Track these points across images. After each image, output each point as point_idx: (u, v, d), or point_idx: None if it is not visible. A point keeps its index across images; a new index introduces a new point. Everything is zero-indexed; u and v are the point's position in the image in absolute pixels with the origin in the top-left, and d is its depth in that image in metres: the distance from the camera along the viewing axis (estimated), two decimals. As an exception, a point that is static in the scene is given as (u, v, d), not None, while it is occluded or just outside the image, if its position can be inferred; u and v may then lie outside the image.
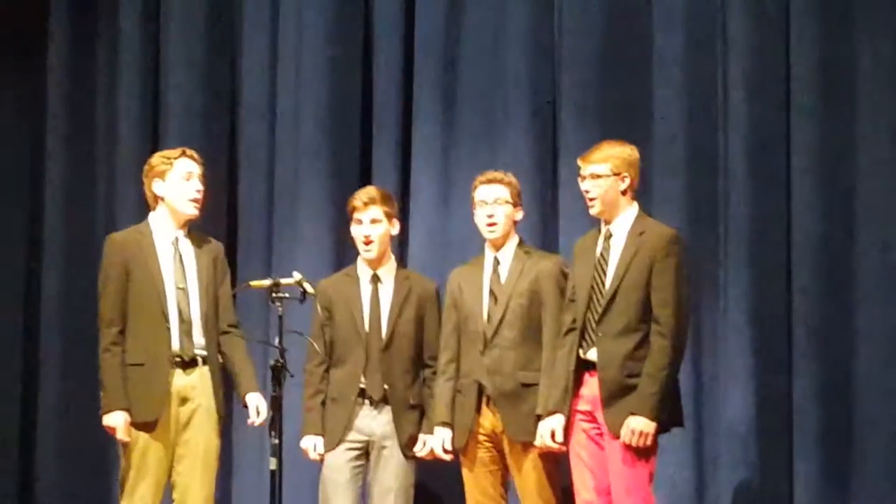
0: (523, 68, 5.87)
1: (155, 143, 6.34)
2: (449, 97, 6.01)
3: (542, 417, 5.04)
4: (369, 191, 5.42)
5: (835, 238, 5.38)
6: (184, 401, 5.13)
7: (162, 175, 5.18)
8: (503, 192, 5.24)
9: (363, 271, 5.41)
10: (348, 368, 5.32)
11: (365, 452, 5.33)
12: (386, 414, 5.30)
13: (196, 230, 5.29)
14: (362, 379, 5.30)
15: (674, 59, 5.63)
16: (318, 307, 5.34)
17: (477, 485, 5.24)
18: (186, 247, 5.21)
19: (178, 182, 5.17)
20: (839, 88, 5.40)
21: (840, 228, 5.38)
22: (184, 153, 5.21)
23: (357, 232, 5.36)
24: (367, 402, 5.31)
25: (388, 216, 5.36)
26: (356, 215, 5.36)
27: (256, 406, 5.16)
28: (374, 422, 5.31)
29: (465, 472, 5.28)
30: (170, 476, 5.12)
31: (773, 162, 5.46)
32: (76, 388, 6.31)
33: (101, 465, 6.30)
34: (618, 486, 4.78)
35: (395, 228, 5.41)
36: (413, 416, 5.32)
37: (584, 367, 4.89)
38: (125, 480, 5.10)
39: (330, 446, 5.31)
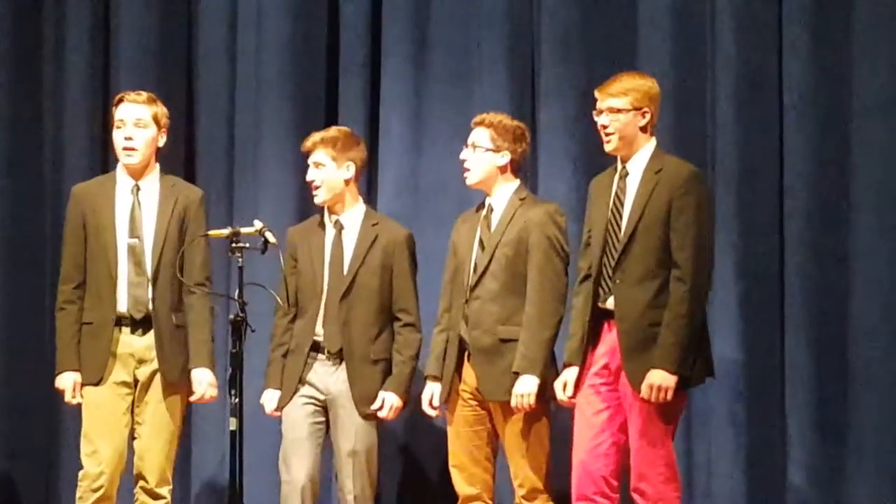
0: (500, 2, 5.68)
1: (106, 88, 6.12)
2: (420, 34, 5.82)
3: (518, 375, 4.84)
4: (315, 134, 5.25)
5: (828, 184, 5.24)
6: (141, 362, 4.99)
7: (111, 123, 5.06)
8: (479, 136, 5.03)
9: (327, 217, 5.23)
10: (306, 319, 5.15)
11: (324, 409, 5.15)
12: (342, 371, 5.11)
13: (170, 176, 5.13)
14: (318, 330, 5.11)
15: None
16: (287, 255, 5.17)
17: (460, 444, 5.03)
18: (149, 196, 5.04)
19: (115, 133, 5.04)
20: (833, 27, 5.26)
21: (834, 173, 5.24)
22: (122, 98, 5.07)
23: (307, 176, 5.20)
24: (322, 355, 5.11)
25: (336, 159, 5.15)
26: (308, 160, 5.20)
27: (199, 381, 5.03)
28: (329, 379, 5.12)
29: (449, 429, 5.08)
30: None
31: (764, 104, 5.32)
32: (23, 345, 6.11)
33: (50, 423, 6.12)
34: (636, 444, 4.55)
35: (349, 171, 5.18)
36: (374, 371, 5.11)
37: (602, 316, 4.64)
38: (82, 443, 4.98)
39: (284, 400, 5.15)
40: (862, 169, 5.20)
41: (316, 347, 5.12)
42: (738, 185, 5.30)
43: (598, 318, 4.65)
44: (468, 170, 5.03)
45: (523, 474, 4.93)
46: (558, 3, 5.57)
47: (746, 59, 5.30)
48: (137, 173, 5.02)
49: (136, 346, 4.96)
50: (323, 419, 5.14)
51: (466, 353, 4.99)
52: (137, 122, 5.00)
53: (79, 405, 4.98)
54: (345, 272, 5.13)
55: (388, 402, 5.08)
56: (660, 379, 4.48)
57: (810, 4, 5.26)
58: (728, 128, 5.31)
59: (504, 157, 5.02)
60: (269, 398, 5.17)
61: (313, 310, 5.12)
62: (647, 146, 4.67)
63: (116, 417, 4.93)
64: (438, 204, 5.53)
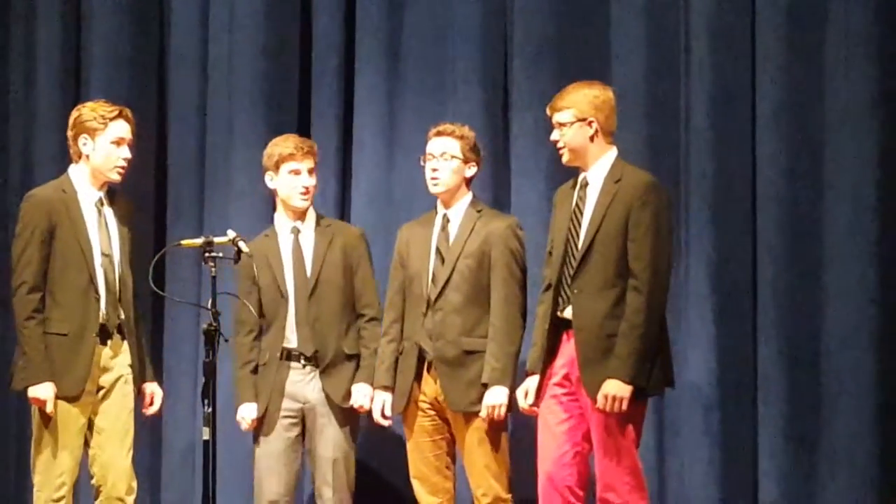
0: (473, 13, 5.65)
1: (76, 94, 6.08)
2: (393, 44, 5.80)
3: (487, 387, 4.86)
4: (304, 140, 5.26)
5: (801, 194, 5.22)
6: (104, 370, 4.94)
7: (91, 133, 4.94)
8: (451, 146, 5.03)
9: (282, 225, 5.22)
10: (275, 329, 5.13)
11: (301, 420, 5.12)
12: (318, 379, 5.09)
13: (112, 188, 5.05)
14: (290, 336, 5.09)
15: (633, 5, 5.44)
16: (241, 277, 5.14)
17: (420, 454, 5.04)
18: (108, 210, 5.00)
19: (106, 146, 4.94)
20: (806, 37, 5.24)
21: (807, 184, 5.22)
22: (120, 114, 4.97)
23: (295, 182, 5.15)
24: (297, 363, 5.09)
25: (317, 166, 5.24)
26: (292, 164, 5.15)
27: (152, 394, 5.08)
28: (306, 387, 5.10)
29: (407, 441, 5.08)
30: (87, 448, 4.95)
31: (738, 114, 5.30)
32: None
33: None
34: (600, 454, 4.56)
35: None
36: (348, 367, 5.12)
37: (561, 326, 4.65)
38: (39, 455, 4.90)
39: (261, 411, 5.10)
40: (834, 180, 5.18)
41: (289, 356, 5.09)
42: (712, 195, 5.28)
43: (558, 327, 4.65)
44: (437, 178, 5.01)
45: (486, 484, 4.92)
46: (531, 15, 5.54)
47: (720, 70, 5.28)
48: (102, 186, 4.98)
49: (103, 354, 4.92)
50: (299, 431, 5.11)
51: (427, 364, 4.98)
52: (130, 143, 4.98)
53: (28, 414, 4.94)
54: (308, 273, 5.12)
55: (363, 392, 5.07)
56: (614, 389, 4.47)
57: (783, 14, 5.24)
58: (701, 138, 5.29)
59: (472, 170, 5.05)
60: (247, 411, 5.10)
61: (280, 318, 5.10)
62: (607, 155, 4.67)
63: (78, 428, 4.88)
64: (411, 214, 5.46)
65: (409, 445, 5.05)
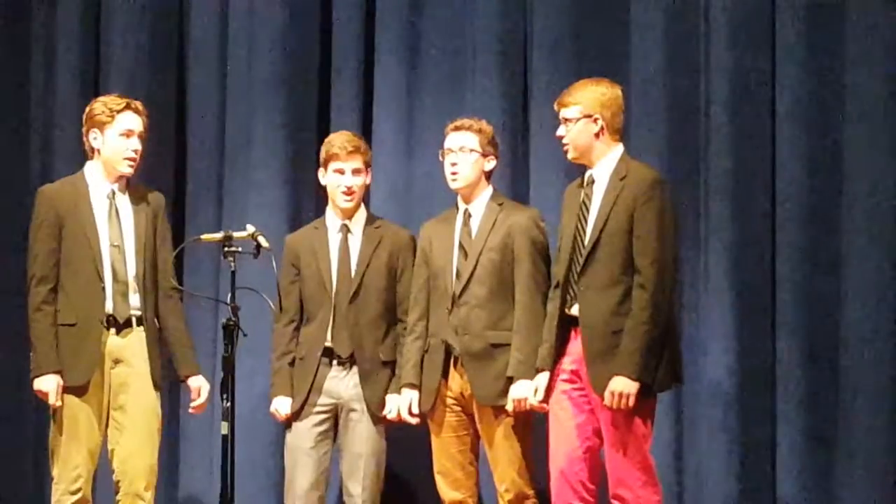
0: (493, 8, 5.64)
1: (96, 89, 6.05)
2: (413, 39, 5.78)
3: (513, 380, 4.84)
4: (351, 138, 5.18)
5: (821, 189, 5.21)
6: (117, 362, 4.93)
7: (101, 127, 4.96)
8: (470, 140, 5.01)
9: (332, 222, 5.19)
10: (315, 326, 5.11)
11: (333, 416, 5.11)
12: (354, 376, 5.08)
13: (138, 182, 5.07)
14: (328, 336, 5.08)
15: (653, 0, 5.42)
16: (286, 263, 5.15)
17: (444, 450, 5.03)
18: (124, 201, 5.00)
19: (115, 138, 4.95)
20: (826, 31, 5.23)
21: (826, 179, 5.21)
22: (128, 106, 4.97)
23: (338, 181, 5.11)
24: (334, 362, 5.08)
25: (367, 165, 5.17)
26: (337, 164, 5.11)
27: (199, 388, 5.02)
28: (341, 384, 5.08)
29: (432, 436, 5.07)
30: (106, 443, 4.93)
31: (757, 109, 5.29)
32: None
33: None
34: (611, 451, 4.56)
35: (370, 178, 5.21)
36: (385, 374, 5.10)
37: (569, 323, 4.65)
38: (56, 447, 4.91)
39: (295, 408, 5.09)
40: (854, 174, 5.17)
41: (327, 354, 5.08)
42: (731, 190, 5.27)
43: (566, 324, 4.66)
44: (457, 173, 5.00)
45: (510, 479, 4.92)
46: (551, 9, 5.54)
47: (740, 64, 5.27)
48: (116, 180, 4.98)
49: (113, 345, 4.91)
50: (331, 427, 5.10)
51: (453, 359, 4.97)
52: (140, 135, 4.98)
53: (48, 407, 4.93)
54: (353, 274, 5.10)
55: (396, 404, 5.05)
56: (621, 386, 4.48)
57: (804, 9, 5.24)
58: (721, 133, 5.29)
59: (491, 163, 5.04)
60: (282, 405, 5.09)
61: (323, 315, 5.08)
62: (613, 152, 4.67)
63: (92, 419, 4.88)
64: (430, 209, 5.46)
65: (433, 441, 5.04)
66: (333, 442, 5.12)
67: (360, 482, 5.04)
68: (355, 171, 5.10)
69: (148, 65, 6.05)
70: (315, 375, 5.06)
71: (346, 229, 5.15)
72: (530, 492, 4.93)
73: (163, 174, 5.76)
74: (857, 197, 5.16)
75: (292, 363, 5.12)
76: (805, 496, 5.15)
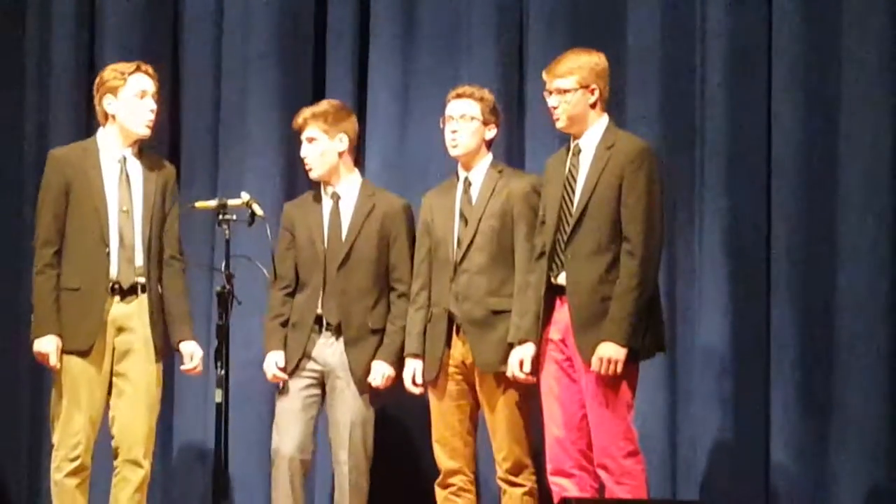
0: (489, -24, 5.63)
1: (91, 57, 6.05)
2: (409, 8, 5.76)
3: (514, 346, 4.83)
4: (305, 109, 5.23)
5: (816, 155, 5.19)
6: (120, 330, 4.94)
7: (114, 91, 4.97)
8: (471, 108, 5.02)
9: (324, 189, 5.22)
10: (308, 292, 5.13)
11: (321, 383, 5.13)
12: (341, 343, 5.10)
13: (149, 150, 5.09)
14: (319, 304, 5.10)
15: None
16: (282, 230, 5.19)
17: (443, 419, 5.04)
18: (135, 167, 5.01)
19: (130, 100, 4.96)
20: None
21: (822, 146, 5.18)
22: (138, 68, 4.99)
23: (301, 153, 5.19)
24: (324, 329, 5.10)
25: (328, 132, 5.15)
26: (300, 136, 5.19)
27: (191, 354, 5.03)
28: (328, 350, 5.11)
29: (432, 404, 5.08)
30: (107, 410, 4.94)
31: (753, 75, 5.27)
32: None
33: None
34: (595, 420, 4.57)
35: (342, 143, 5.17)
36: (372, 341, 5.12)
37: (555, 292, 4.66)
38: (56, 414, 4.93)
39: (287, 371, 5.12)
40: (850, 140, 5.14)
41: (319, 321, 5.10)
42: (726, 157, 5.25)
43: (551, 294, 4.66)
44: (456, 141, 5.00)
45: (508, 447, 4.93)
46: (547, -25, 5.52)
47: (735, 32, 5.25)
48: (131, 144, 4.99)
49: (118, 313, 4.91)
50: (318, 392, 5.13)
51: (455, 327, 4.97)
52: (153, 95, 4.99)
53: (48, 373, 4.94)
54: (343, 241, 5.12)
55: (380, 371, 5.07)
56: (610, 352, 4.49)
57: (799, -27, 5.23)
58: (716, 101, 5.26)
59: (491, 132, 5.04)
60: (271, 361, 5.12)
61: (315, 283, 5.10)
62: (600, 122, 4.68)
63: (92, 386, 4.88)
64: (426, 178, 5.47)
65: (433, 409, 5.05)
66: (321, 408, 5.14)
67: (346, 449, 5.06)
68: (308, 140, 5.13)
69: (142, 32, 6.01)
70: (306, 342, 5.08)
71: (336, 196, 5.16)
72: (528, 461, 4.94)
73: (157, 142, 5.70)
74: (854, 162, 5.13)
75: (285, 324, 5.14)
76: (799, 464, 5.13)
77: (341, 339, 5.08)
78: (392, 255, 5.15)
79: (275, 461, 5.11)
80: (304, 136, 5.15)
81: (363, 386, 5.07)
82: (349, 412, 5.07)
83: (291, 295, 5.16)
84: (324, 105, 5.24)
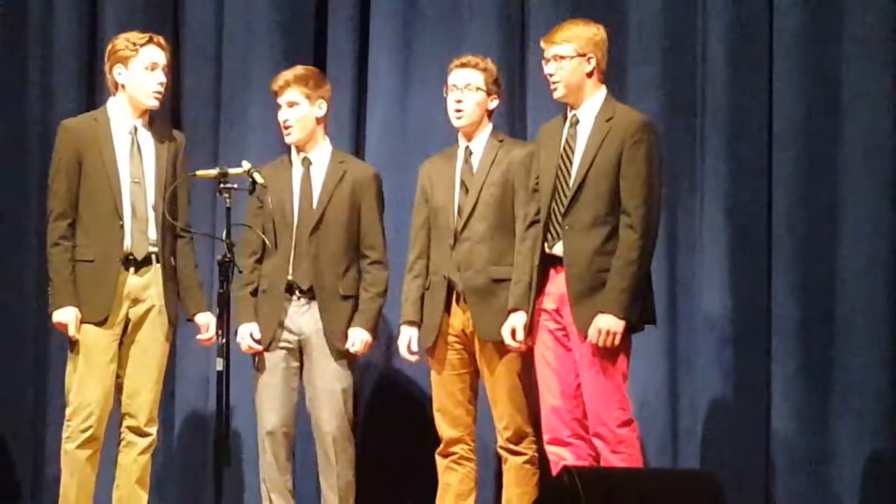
0: (490, -56, 5.61)
1: (93, 29, 6.02)
2: (410, -27, 5.76)
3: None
4: (285, 73, 5.21)
5: (818, 128, 5.19)
6: (135, 301, 4.96)
7: (125, 61, 4.97)
8: (475, 78, 5.01)
9: (295, 155, 5.22)
10: (278, 258, 5.11)
11: (298, 351, 5.12)
12: (315, 310, 5.09)
13: (159, 120, 5.09)
14: (290, 269, 5.08)
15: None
16: (252, 199, 5.14)
17: (444, 388, 5.04)
18: (146, 137, 5.01)
19: (140, 72, 4.96)
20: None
21: (824, 118, 5.19)
22: (151, 40, 5.00)
23: (279, 116, 5.17)
24: (295, 296, 5.08)
25: (309, 97, 5.14)
26: (277, 99, 5.17)
27: (207, 324, 5.06)
28: (302, 318, 5.10)
29: (432, 374, 5.07)
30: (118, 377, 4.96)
31: (755, 46, 5.26)
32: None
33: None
34: (590, 389, 4.58)
35: (321, 109, 5.17)
36: (346, 307, 5.11)
37: (549, 262, 4.66)
38: (71, 384, 4.94)
39: (264, 343, 5.11)
40: (851, 113, 5.15)
41: (289, 288, 5.08)
42: (728, 128, 5.25)
43: (546, 263, 4.66)
44: (461, 111, 4.99)
45: (509, 415, 4.93)
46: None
47: (737, 2, 5.24)
48: (141, 115, 4.99)
49: (133, 285, 4.93)
50: (297, 363, 5.12)
51: (455, 295, 4.98)
52: (164, 68, 4.99)
53: (63, 345, 4.93)
54: (314, 206, 5.11)
55: (359, 337, 5.07)
56: (608, 323, 4.50)
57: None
58: (717, 70, 5.26)
59: (494, 102, 5.04)
60: (245, 333, 5.09)
61: (285, 247, 5.09)
62: (598, 94, 4.68)
63: (107, 357, 4.89)
64: (426, 146, 5.46)
65: (433, 379, 5.05)
66: (300, 376, 5.13)
67: (326, 417, 5.05)
68: (289, 104, 5.12)
69: (144, 4, 5.98)
70: (280, 311, 5.06)
71: (307, 162, 5.16)
72: (529, 430, 4.94)
73: (158, 112, 5.72)
74: (855, 134, 5.14)
75: (255, 293, 5.13)
76: (800, 433, 5.15)
77: (314, 305, 5.07)
78: (363, 224, 5.14)
79: (260, 437, 5.11)
80: (283, 100, 5.14)
81: (339, 352, 5.06)
82: (328, 379, 5.06)
83: (259, 261, 5.14)
84: (301, 69, 5.23)
